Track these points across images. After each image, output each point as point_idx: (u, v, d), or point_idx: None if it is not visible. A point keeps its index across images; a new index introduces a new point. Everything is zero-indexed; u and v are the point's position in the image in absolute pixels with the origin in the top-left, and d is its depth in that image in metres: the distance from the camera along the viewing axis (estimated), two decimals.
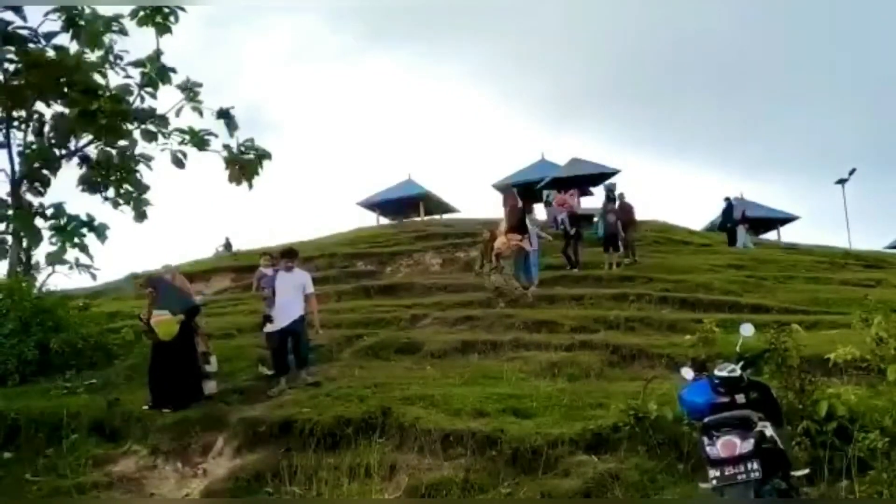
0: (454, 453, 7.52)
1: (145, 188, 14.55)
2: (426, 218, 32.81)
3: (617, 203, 19.50)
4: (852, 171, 31.82)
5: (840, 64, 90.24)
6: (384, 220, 34.76)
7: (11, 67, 13.50)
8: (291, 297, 10.04)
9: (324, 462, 7.61)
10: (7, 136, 14.00)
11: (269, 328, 10.30)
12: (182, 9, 14.28)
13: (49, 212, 13.97)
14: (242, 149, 14.87)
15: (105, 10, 13.94)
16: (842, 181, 32.01)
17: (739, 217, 23.85)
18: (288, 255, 10.61)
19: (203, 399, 9.70)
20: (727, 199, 24.54)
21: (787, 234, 34.26)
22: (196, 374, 9.86)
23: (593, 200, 30.29)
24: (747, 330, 5.74)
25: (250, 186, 14.92)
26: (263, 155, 15.01)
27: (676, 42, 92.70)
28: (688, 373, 5.69)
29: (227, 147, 14.83)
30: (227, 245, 24.31)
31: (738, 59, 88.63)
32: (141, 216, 14.52)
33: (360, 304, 15.89)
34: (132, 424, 9.09)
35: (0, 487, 7.31)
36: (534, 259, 15.51)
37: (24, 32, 13.34)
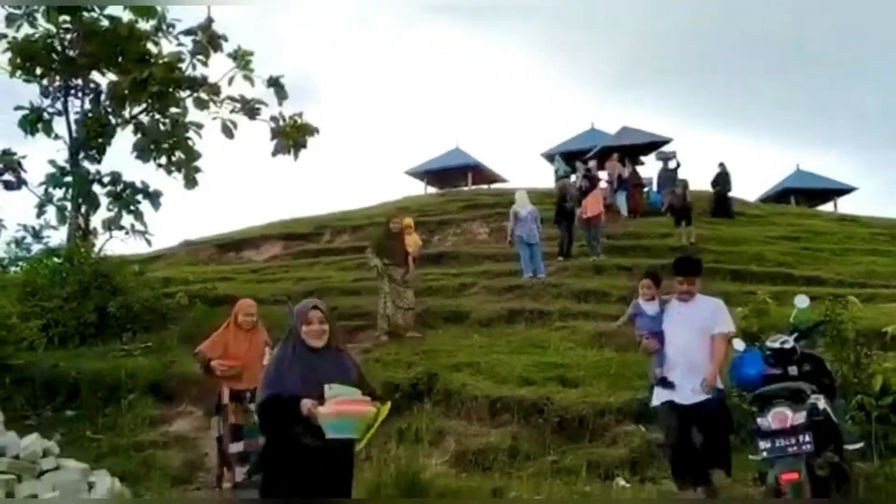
0: (501, 420, 7.60)
1: (196, 155, 14.75)
2: (474, 187, 32.65)
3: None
4: None
5: None
6: (432, 189, 34.74)
7: (68, 37, 13.78)
8: (696, 344, 5.64)
9: None
10: (65, 105, 14.30)
11: (660, 397, 5.76)
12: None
13: (106, 179, 14.38)
14: (291, 121, 14.96)
15: None
16: None
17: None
18: (686, 271, 5.80)
19: None
20: (721, 165, 21.74)
21: (845, 205, 33.29)
22: None
23: (644, 170, 29.82)
24: (802, 302, 5.62)
25: (296, 158, 15.05)
26: (309, 129, 15.08)
27: (735, 12, 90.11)
28: (739, 344, 5.62)
29: (274, 118, 14.95)
30: None
31: (798, 30, 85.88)
32: (192, 183, 14.74)
33: None
34: (187, 386, 9.32)
35: (64, 443, 7.59)
36: (537, 251, 14.31)
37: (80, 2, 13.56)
